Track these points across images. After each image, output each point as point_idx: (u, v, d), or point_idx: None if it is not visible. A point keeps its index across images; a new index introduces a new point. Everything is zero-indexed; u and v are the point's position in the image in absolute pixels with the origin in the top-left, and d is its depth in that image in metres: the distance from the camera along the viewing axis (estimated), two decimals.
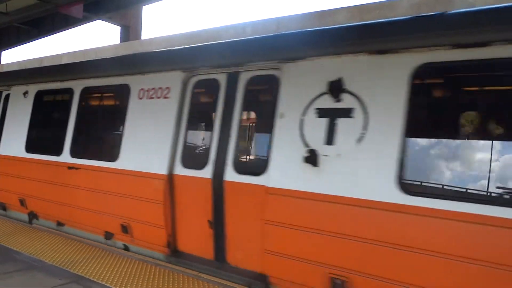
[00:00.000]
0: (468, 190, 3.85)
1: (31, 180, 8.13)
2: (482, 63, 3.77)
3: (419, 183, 4.10)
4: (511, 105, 3.86)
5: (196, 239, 5.84)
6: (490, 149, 3.77)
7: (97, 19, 17.50)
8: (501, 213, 3.51)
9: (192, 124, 6.02)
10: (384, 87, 4.23)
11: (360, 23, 4.35)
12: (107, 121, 7.54)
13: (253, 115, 5.70)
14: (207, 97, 5.95)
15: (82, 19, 16.39)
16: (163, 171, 5.93)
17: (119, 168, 6.50)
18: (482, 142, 3.93)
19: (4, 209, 8.95)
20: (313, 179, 4.56)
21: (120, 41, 18.36)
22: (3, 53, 23.26)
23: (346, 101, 4.47)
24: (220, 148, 5.56)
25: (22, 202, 8.40)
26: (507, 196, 3.63)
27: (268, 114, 5.17)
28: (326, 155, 4.52)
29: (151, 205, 6.03)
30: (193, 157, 5.90)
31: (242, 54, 5.37)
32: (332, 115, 4.54)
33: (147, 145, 6.24)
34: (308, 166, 4.62)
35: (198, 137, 6.11)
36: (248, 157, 5.79)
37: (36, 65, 8.41)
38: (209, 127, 5.77)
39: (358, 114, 4.37)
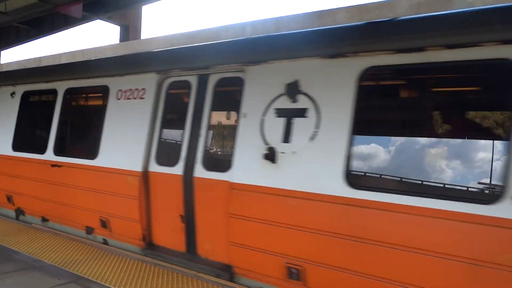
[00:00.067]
0: (406, 184, 4.16)
1: (18, 178, 8.45)
2: (419, 66, 4.08)
3: (364, 177, 4.41)
4: (445, 104, 4.17)
5: (169, 232, 6.15)
6: (427, 146, 4.08)
7: (96, 19, 17.44)
8: (435, 205, 3.81)
9: (166, 124, 6.33)
10: (335, 88, 4.54)
11: (313, 29, 4.65)
12: (88, 121, 7.86)
13: (221, 115, 5.99)
14: (180, 98, 6.25)
15: (82, 19, 16.37)
16: (138, 168, 6.24)
17: (98, 165, 6.82)
18: (420, 139, 4.24)
19: None
20: (272, 175, 4.87)
21: (120, 41, 18.35)
22: (2, 52, 23.20)
23: (301, 102, 4.77)
24: (190, 146, 5.87)
25: (9, 199, 8.71)
26: (440, 189, 3.94)
27: (234, 114, 5.48)
28: (283, 152, 4.83)
29: (127, 200, 6.34)
30: (166, 155, 6.20)
31: (210, 57, 5.68)
32: (288, 115, 4.85)
33: (124, 143, 6.54)
34: (267, 163, 4.92)
35: (171, 136, 6.41)
36: (215, 155, 6.10)
37: (22, 67, 8.73)
38: (181, 126, 6.07)
39: (311, 114, 4.68)
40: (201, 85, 5.92)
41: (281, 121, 4.91)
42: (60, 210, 7.56)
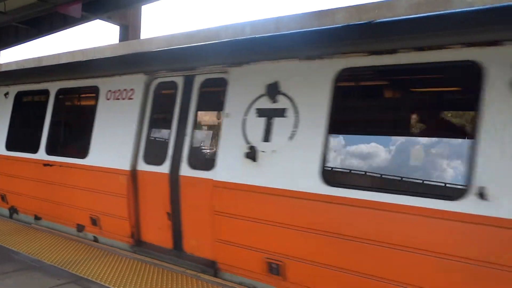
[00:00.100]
0: (378, 181, 4.32)
1: (12, 177, 8.60)
2: (391, 68, 4.23)
3: (338, 175, 4.56)
4: (415, 105, 4.33)
5: (157, 230, 6.30)
6: (398, 144, 4.24)
7: (96, 19, 17.41)
8: (404, 201, 3.97)
9: (154, 123, 6.48)
10: (312, 89, 4.69)
11: (291, 31, 4.80)
12: (78, 120, 8.03)
13: (206, 114, 6.15)
14: (167, 98, 6.40)
15: (81, 19, 16.31)
16: (127, 167, 6.39)
17: (88, 164, 6.97)
18: (392, 138, 4.39)
19: None
20: (252, 173, 5.03)
21: (119, 41, 18.21)
22: (2, 52, 23.24)
23: (281, 102, 4.93)
24: (176, 145, 6.02)
25: (3, 198, 8.87)
26: (410, 186, 4.10)
27: (219, 114, 5.63)
28: (263, 151, 4.98)
29: (116, 198, 6.50)
30: (154, 154, 6.35)
31: (195, 58, 5.83)
32: (269, 115, 5.01)
33: (113, 143, 6.70)
34: (249, 161, 5.08)
35: (159, 135, 6.56)
36: (200, 154, 6.25)
37: (15, 67, 8.89)
38: (168, 126, 6.22)
39: (290, 113, 4.83)
40: (187, 85, 6.07)
41: (262, 120, 5.06)
42: (52, 208, 7.71)
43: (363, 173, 4.46)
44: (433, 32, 3.88)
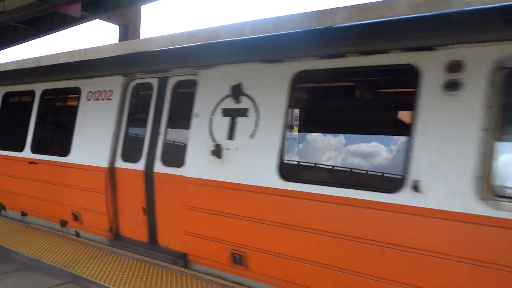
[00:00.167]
0: (329, 176, 4.64)
1: None
2: (341, 71, 4.55)
3: (293, 171, 4.88)
4: (361, 105, 4.65)
5: (133, 224, 6.62)
6: (347, 142, 4.56)
7: (95, 19, 17.49)
8: (350, 194, 4.27)
9: (131, 123, 6.79)
10: (271, 90, 5.01)
11: (252, 36, 5.12)
12: (61, 120, 8.34)
13: (178, 114, 6.45)
14: (143, 99, 6.71)
15: (80, 18, 16.40)
16: (105, 164, 6.71)
17: (70, 162, 7.29)
18: (341, 135, 4.70)
19: None
20: (218, 170, 5.35)
21: (119, 41, 18.34)
22: (1, 52, 23.35)
23: (244, 103, 5.24)
24: (151, 143, 6.33)
25: None
26: (355, 180, 4.42)
27: (190, 114, 5.94)
28: (228, 149, 5.30)
29: (96, 194, 6.81)
30: (130, 152, 6.66)
31: (168, 61, 6.15)
32: (233, 115, 5.32)
33: (93, 141, 7.02)
34: (214, 158, 5.40)
35: (135, 134, 6.86)
36: (172, 151, 6.55)
37: (2, 69, 9.20)
38: (144, 125, 6.53)
39: (252, 113, 5.15)
40: (162, 87, 6.38)
41: (227, 120, 5.37)
42: (38, 204, 8.03)
43: (316, 168, 4.77)
44: (376, 38, 4.19)
